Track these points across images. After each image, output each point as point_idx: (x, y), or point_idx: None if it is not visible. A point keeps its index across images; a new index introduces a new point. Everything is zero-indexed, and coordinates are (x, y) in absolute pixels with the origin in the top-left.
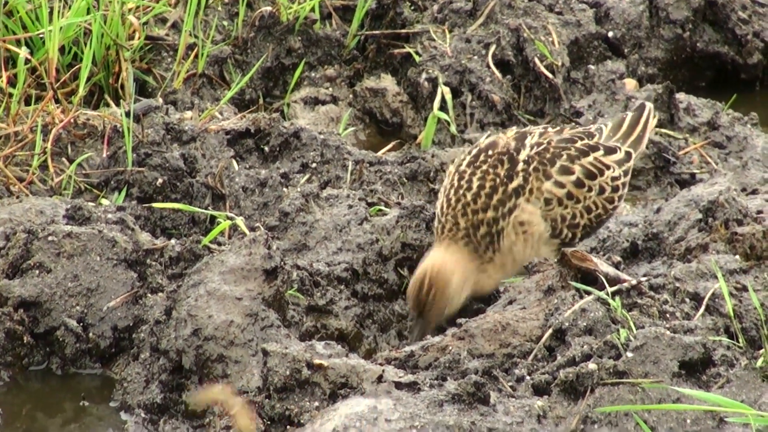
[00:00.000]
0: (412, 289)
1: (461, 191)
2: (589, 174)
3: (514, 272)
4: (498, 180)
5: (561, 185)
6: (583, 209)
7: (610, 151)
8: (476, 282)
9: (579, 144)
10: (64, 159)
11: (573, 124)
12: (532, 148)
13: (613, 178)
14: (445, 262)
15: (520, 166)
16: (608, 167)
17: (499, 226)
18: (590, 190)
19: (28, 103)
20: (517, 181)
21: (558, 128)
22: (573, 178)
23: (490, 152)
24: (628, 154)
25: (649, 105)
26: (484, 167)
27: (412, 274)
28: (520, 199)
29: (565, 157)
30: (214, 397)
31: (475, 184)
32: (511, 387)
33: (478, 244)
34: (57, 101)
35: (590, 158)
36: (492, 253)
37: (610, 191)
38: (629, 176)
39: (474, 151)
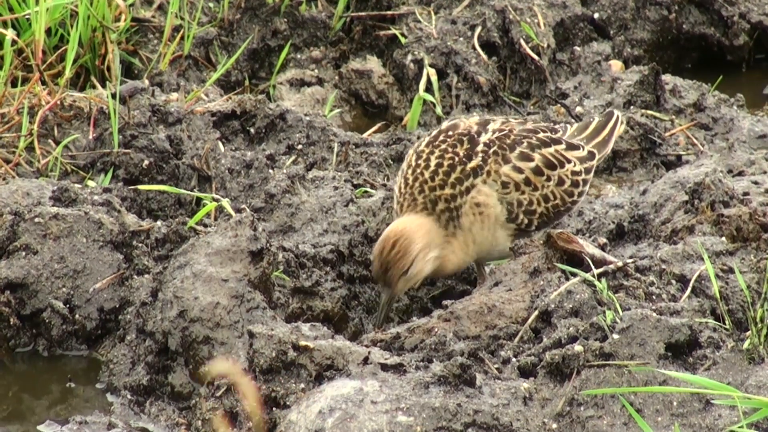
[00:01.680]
0: (376, 250)
1: (419, 170)
2: (548, 163)
3: (474, 255)
4: (456, 159)
5: (519, 170)
6: (540, 197)
7: (573, 147)
8: (443, 254)
9: (541, 135)
10: (50, 141)
11: (542, 115)
12: (493, 132)
13: (574, 173)
14: (408, 223)
15: (480, 147)
16: (569, 161)
17: (457, 203)
18: (549, 179)
19: (14, 84)
20: (475, 161)
21: (521, 119)
22: (532, 165)
23: (450, 133)
24: (592, 154)
25: (618, 113)
26: (443, 146)
27: None
28: (477, 180)
29: (525, 144)
30: (222, 370)
31: (433, 162)
32: (497, 369)
33: (438, 218)
34: (43, 83)
35: (551, 149)
36: (454, 229)
37: (569, 184)
38: (591, 175)
39: (434, 132)
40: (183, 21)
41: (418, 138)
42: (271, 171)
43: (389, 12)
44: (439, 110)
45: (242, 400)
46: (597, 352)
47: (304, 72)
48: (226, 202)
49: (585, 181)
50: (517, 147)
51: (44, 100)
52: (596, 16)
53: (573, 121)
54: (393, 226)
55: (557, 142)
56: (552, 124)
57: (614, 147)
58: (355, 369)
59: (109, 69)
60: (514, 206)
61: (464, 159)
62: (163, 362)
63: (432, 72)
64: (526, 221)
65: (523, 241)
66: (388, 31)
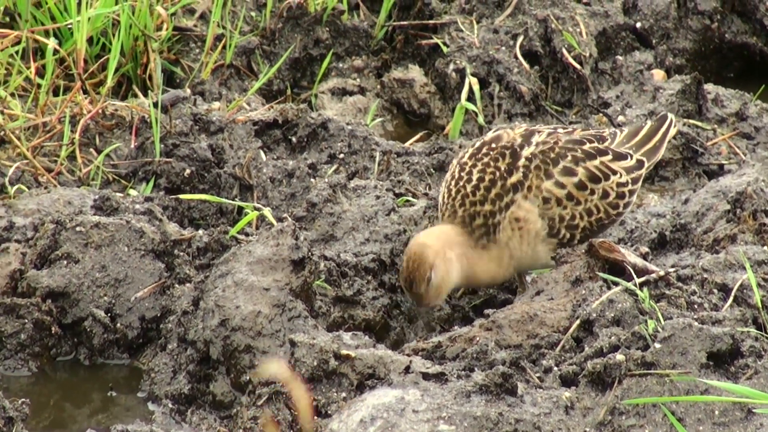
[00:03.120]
0: (401, 271)
1: (461, 183)
2: (592, 177)
3: (511, 269)
4: (498, 174)
5: (561, 186)
6: (583, 211)
7: (620, 156)
8: (471, 261)
9: (587, 146)
10: (92, 150)
11: (584, 124)
12: (537, 146)
13: (620, 184)
14: (424, 234)
15: (522, 161)
16: (615, 172)
17: (496, 219)
18: (593, 193)
19: (56, 93)
20: (516, 177)
21: (568, 129)
22: (575, 179)
23: (493, 145)
24: (640, 163)
25: (671, 116)
26: (486, 159)
27: None
28: (518, 195)
29: (570, 158)
30: (273, 372)
31: (475, 176)
32: (538, 378)
33: (472, 232)
34: (85, 92)
35: (596, 161)
36: (486, 242)
37: (614, 197)
38: (639, 185)
39: (477, 144)
40: (225, 30)
41: (460, 147)
42: (312, 180)
43: (431, 21)
44: (481, 119)
45: (293, 404)
46: (639, 361)
47: (346, 81)
48: (267, 211)
49: (632, 192)
50: (560, 161)
51: (86, 109)
52: (638, 25)
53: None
54: (416, 236)
55: (603, 153)
56: (601, 131)
57: None
58: (396, 378)
59: (150, 78)
60: (556, 221)
61: (505, 174)
62: (204, 371)
63: (474, 81)
64: (568, 236)
65: (565, 250)
66: (430, 40)
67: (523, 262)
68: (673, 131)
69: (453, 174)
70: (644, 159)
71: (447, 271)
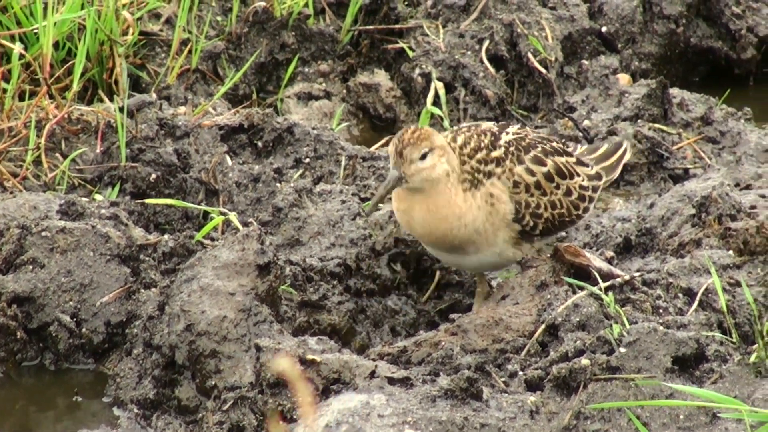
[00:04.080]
0: (396, 135)
1: (451, 144)
2: (559, 172)
3: (470, 231)
4: (484, 143)
5: (532, 173)
6: (548, 202)
7: (582, 163)
8: (442, 191)
9: (554, 144)
10: (57, 154)
11: (550, 128)
12: (512, 134)
13: (582, 187)
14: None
15: (502, 142)
16: (578, 174)
17: (480, 176)
18: (558, 187)
19: (22, 98)
20: (498, 152)
21: (536, 129)
22: (544, 169)
23: (473, 128)
24: (599, 174)
25: (627, 143)
26: (470, 133)
27: (405, 270)
28: (498, 169)
29: (540, 149)
30: (280, 368)
31: (461, 139)
32: (503, 382)
33: (462, 170)
34: (51, 97)
35: (563, 159)
36: (468, 186)
37: (576, 197)
38: (597, 194)
39: (455, 128)
40: (191, 35)
41: None
42: (278, 185)
43: (397, 26)
44: (446, 124)
45: (298, 399)
46: (604, 366)
47: (312, 85)
48: (233, 216)
49: (591, 198)
50: (531, 150)
51: (52, 113)
52: (604, 29)
53: (581, 135)
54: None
55: (568, 154)
56: (563, 141)
57: None
58: (362, 382)
59: (116, 83)
60: (522, 206)
61: (490, 146)
62: (170, 376)
63: (440, 85)
64: (531, 224)
65: (531, 254)
66: (396, 44)
67: (473, 236)
68: (627, 156)
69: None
70: (603, 173)
71: (434, 167)
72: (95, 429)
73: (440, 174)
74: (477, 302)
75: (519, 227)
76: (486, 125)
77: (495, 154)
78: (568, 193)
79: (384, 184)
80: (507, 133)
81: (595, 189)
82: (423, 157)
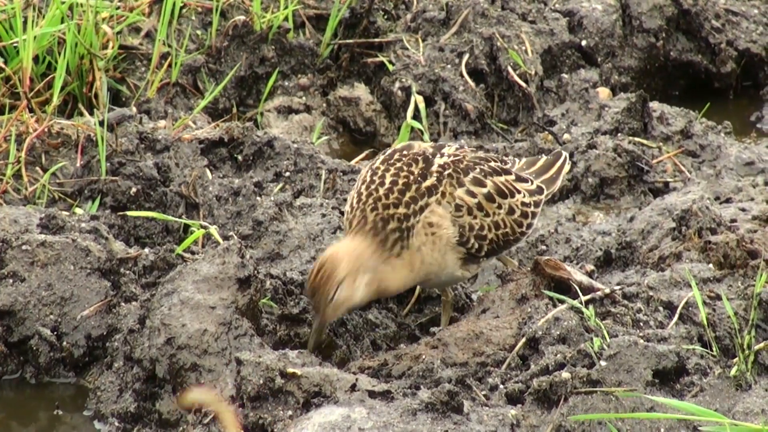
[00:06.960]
0: (308, 275)
1: (373, 186)
2: (499, 192)
3: (422, 275)
4: (411, 177)
5: (473, 195)
6: (491, 223)
7: (522, 179)
8: (381, 276)
9: (492, 164)
10: (38, 168)
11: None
12: (448, 156)
13: (524, 204)
14: (340, 247)
15: (435, 167)
16: (519, 192)
17: (410, 222)
18: (500, 207)
19: (1, 112)
20: (430, 181)
21: (473, 149)
22: (485, 190)
23: (405, 152)
24: (540, 188)
25: (565, 154)
26: (399, 164)
27: None
28: (432, 199)
29: (478, 170)
30: (198, 399)
31: (388, 180)
32: (484, 396)
33: (385, 238)
34: (31, 110)
35: (502, 178)
36: (400, 249)
37: (519, 215)
38: (540, 209)
39: (388, 151)
40: (171, 48)
41: None
42: (258, 198)
43: (377, 39)
44: (426, 137)
45: (223, 429)
46: (584, 379)
47: (292, 99)
48: (213, 230)
49: (534, 214)
50: (470, 172)
51: (32, 127)
52: (584, 43)
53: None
54: (326, 251)
55: (507, 172)
56: (502, 156)
57: (602, 174)
58: (342, 396)
59: (96, 96)
60: (466, 230)
61: (419, 178)
62: (150, 389)
63: (419, 99)
64: (476, 246)
65: (477, 272)
66: (376, 58)
67: (431, 269)
68: (567, 167)
69: (364, 179)
70: (543, 186)
71: (350, 296)
72: None
73: (363, 292)
74: (445, 311)
75: (464, 250)
76: (420, 147)
77: (426, 183)
78: (511, 211)
79: (313, 331)
80: (442, 156)
81: (537, 204)
82: (332, 299)
